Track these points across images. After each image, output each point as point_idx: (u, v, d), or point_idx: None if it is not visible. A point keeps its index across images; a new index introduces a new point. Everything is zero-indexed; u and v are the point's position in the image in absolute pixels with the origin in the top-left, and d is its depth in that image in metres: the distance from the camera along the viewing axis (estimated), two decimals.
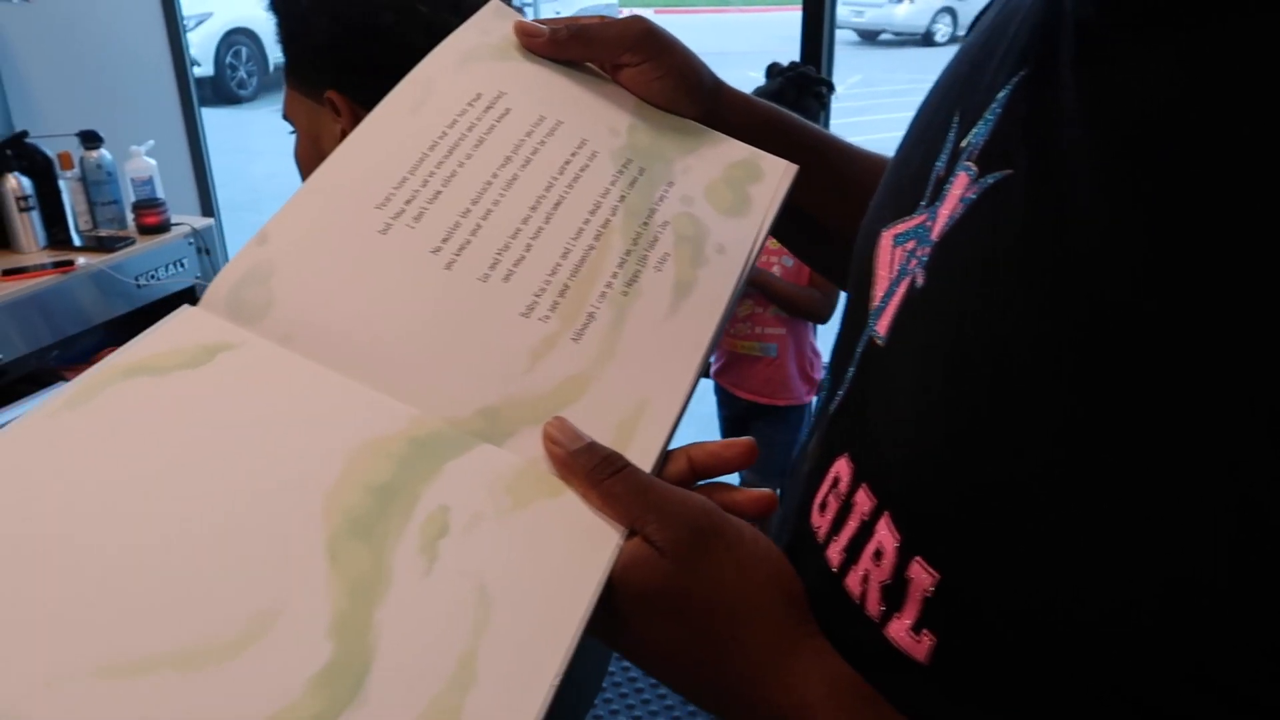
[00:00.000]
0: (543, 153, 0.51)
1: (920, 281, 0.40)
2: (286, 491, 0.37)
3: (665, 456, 0.45)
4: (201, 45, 8.04)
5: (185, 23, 3.10)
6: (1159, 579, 0.29)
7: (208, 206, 3.14)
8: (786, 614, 0.41)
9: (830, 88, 1.98)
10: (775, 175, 0.56)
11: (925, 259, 0.40)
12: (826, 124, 2.27)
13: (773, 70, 2.01)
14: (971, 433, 0.34)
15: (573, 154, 0.52)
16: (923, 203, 0.42)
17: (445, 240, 0.46)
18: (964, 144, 0.40)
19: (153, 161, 2.30)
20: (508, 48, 0.57)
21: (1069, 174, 0.33)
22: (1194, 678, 0.28)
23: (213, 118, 3.02)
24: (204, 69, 8.16)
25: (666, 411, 0.44)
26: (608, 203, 0.50)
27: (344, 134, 0.88)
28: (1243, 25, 0.30)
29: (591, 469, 0.41)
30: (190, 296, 1.97)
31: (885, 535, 0.37)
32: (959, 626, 0.35)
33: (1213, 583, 0.27)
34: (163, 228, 2.27)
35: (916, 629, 0.36)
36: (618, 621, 0.40)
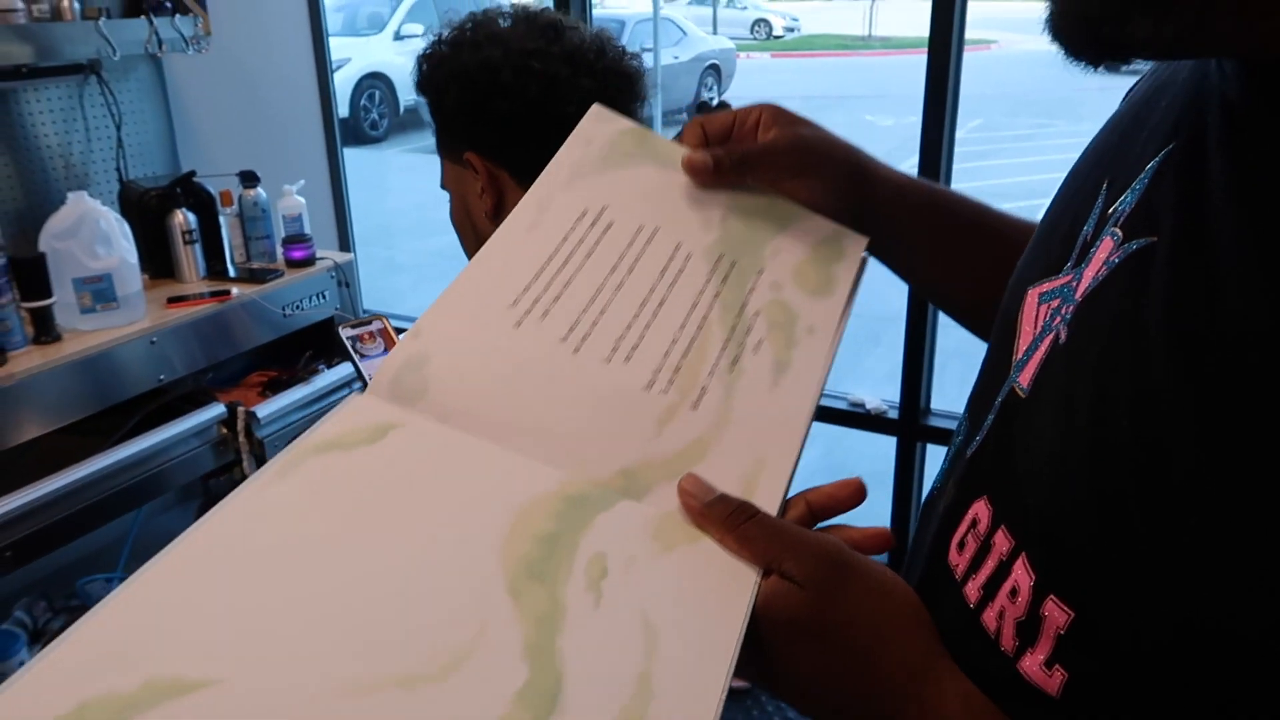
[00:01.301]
0: (643, 260, 0.58)
1: (1063, 338, 0.43)
2: (467, 543, 0.43)
3: (785, 505, 0.50)
4: (339, 89, 8.50)
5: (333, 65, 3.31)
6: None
7: (346, 242, 3.32)
8: (920, 637, 0.44)
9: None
10: (854, 251, 0.62)
11: (1069, 316, 0.43)
12: (948, 171, 2.25)
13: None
14: (1110, 482, 0.37)
15: (670, 258, 0.58)
16: (1069, 264, 0.45)
17: (570, 331, 0.54)
18: (1111, 210, 0.43)
19: (302, 200, 2.45)
20: (611, 154, 0.64)
21: (1216, 246, 0.36)
22: None
23: (348, 157, 3.19)
24: (341, 111, 8.63)
25: (782, 467, 0.50)
26: (704, 299, 0.57)
27: (481, 191, 0.97)
28: None
29: (727, 516, 0.45)
30: (329, 326, 2.09)
31: (1022, 574, 0.40)
32: (1090, 663, 0.37)
33: None
34: (308, 262, 2.42)
35: (1049, 664, 0.38)
36: (765, 653, 0.43)
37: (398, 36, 9.84)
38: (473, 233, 1.04)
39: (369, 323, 1.55)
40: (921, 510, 0.55)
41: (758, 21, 19.54)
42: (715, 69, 11.09)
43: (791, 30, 19.65)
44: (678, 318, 0.55)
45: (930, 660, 0.44)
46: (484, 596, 0.40)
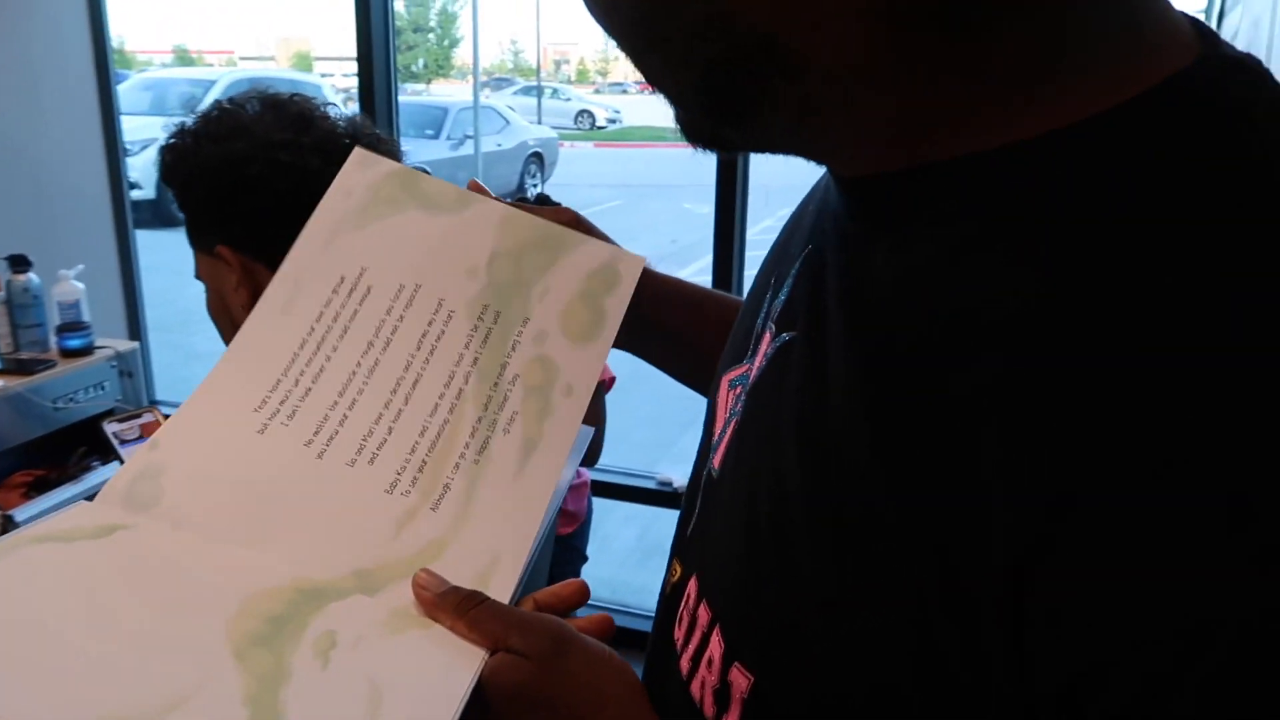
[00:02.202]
0: (401, 329, 0.58)
1: (739, 422, 0.47)
2: (191, 619, 0.44)
3: (516, 601, 0.52)
4: (145, 169, 8.12)
5: (128, 148, 3.16)
6: (906, 675, 0.34)
7: (136, 329, 3.13)
8: (634, 700, 0.48)
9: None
10: (630, 275, 0.62)
11: (744, 397, 0.47)
12: (741, 252, 2.37)
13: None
14: (762, 559, 0.41)
15: (429, 322, 0.58)
16: (748, 355, 0.49)
17: (316, 433, 0.53)
18: (772, 306, 0.48)
19: (81, 285, 2.31)
20: (373, 204, 0.63)
21: (827, 344, 0.40)
22: None
23: (151, 240, 3.05)
24: (145, 192, 8.22)
25: (515, 562, 0.52)
26: (461, 370, 0.57)
27: (237, 285, 0.94)
28: (945, 231, 0.36)
29: (457, 604, 0.47)
30: (107, 417, 1.95)
31: (715, 644, 0.43)
32: (761, 710, 0.40)
33: (921, 687, 0.34)
34: (85, 351, 2.27)
35: None
36: None
37: None
38: (231, 326, 1.00)
39: (138, 415, 1.46)
40: (660, 592, 0.56)
41: (581, 112, 20.12)
42: (538, 157, 11.29)
43: (614, 121, 20.32)
44: (430, 401, 0.55)
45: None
46: (206, 657, 0.41)
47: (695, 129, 0.41)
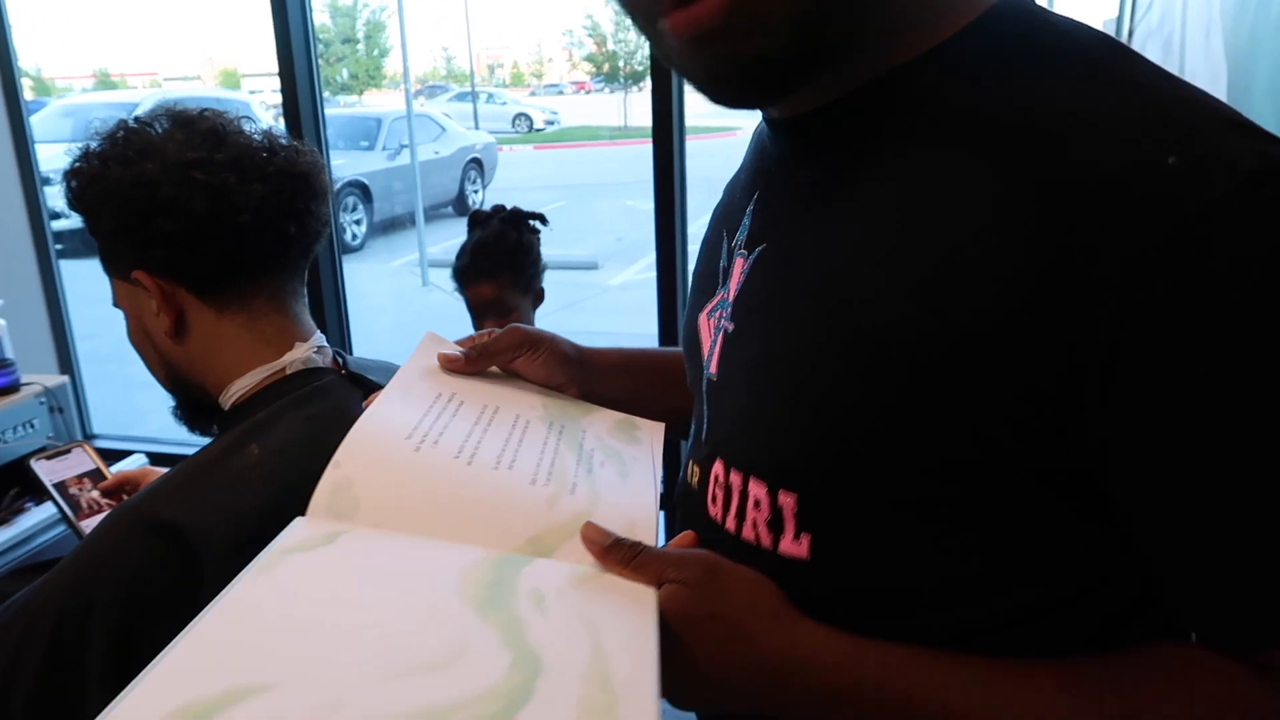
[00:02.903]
0: (496, 419, 0.72)
1: (730, 329, 0.62)
2: (432, 593, 0.53)
3: None
4: None
5: (49, 177, 3.05)
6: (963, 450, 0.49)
7: (67, 362, 3.04)
8: (780, 600, 0.55)
9: (544, 220, 1.99)
10: (649, 431, 0.78)
11: (729, 314, 0.63)
12: (684, 246, 2.35)
13: (478, 218, 2.00)
14: (787, 401, 0.55)
15: (514, 422, 0.73)
16: (719, 289, 0.66)
17: (460, 451, 0.65)
18: (733, 245, 0.64)
19: (1, 321, 2.22)
20: (441, 376, 0.77)
21: (797, 242, 0.58)
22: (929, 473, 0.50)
23: (83, 269, 2.94)
24: (73, 221, 8.00)
25: (648, 524, 0.64)
26: (551, 441, 0.71)
27: (158, 310, 0.90)
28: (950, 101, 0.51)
29: (621, 555, 0.56)
30: (36, 455, 1.88)
31: (757, 489, 0.57)
32: (816, 515, 0.54)
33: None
34: (10, 389, 2.18)
35: (797, 536, 0.55)
36: (674, 646, 0.52)
37: None
38: (154, 353, 0.96)
39: (66, 451, 1.40)
40: (675, 502, 0.70)
41: (518, 116, 20.02)
42: (478, 163, 11.20)
43: (551, 123, 20.27)
44: (537, 448, 0.69)
45: (794, 623, 0.54)
46: (460, 620, 0.51)
47: (772, 60, 0.50)
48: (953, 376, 0.48)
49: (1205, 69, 1.27)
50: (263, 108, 12.55)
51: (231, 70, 32.35)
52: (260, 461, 0.83)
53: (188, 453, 0.89)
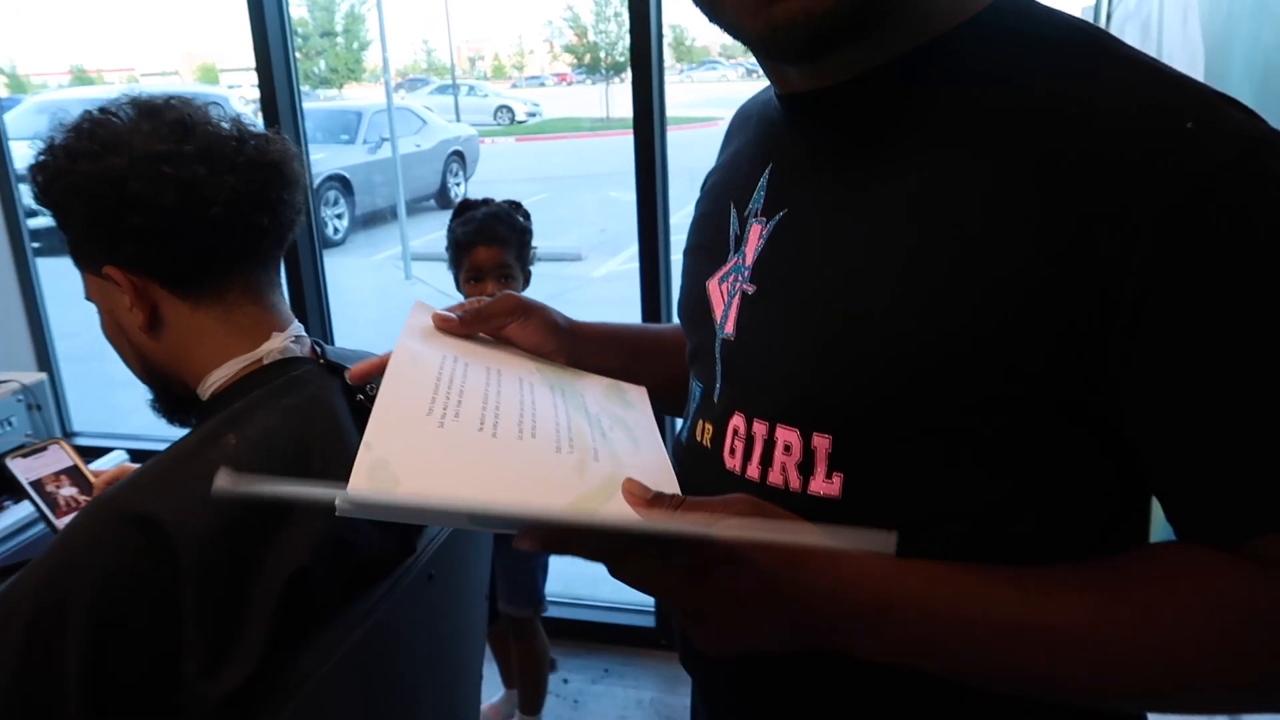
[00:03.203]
0: (504, 381, 0.72)
1: (750, 290, 0.66)
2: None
3: None
4: None
5: (23, 174, 3.01)
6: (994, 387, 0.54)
7: (45, 359, 3.01)
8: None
9: (526, 214, 2.04)
10: (636, 394, 0.79)
11: (748, 277, 0.67)
12: (666, 235, 2.35)
13: (468, 204, 2.04)
14: (823, 348, 0.60)
15: (520, 383, 0.74)
16: (731, 254, 0.70)
17: (482, 424, 0.66)
18: (747, 212, 0.69)
19: None
20: (434, 339, 0.77)
21: (826, 206, 0.62)
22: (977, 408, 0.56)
23: (61, 267, 2.91)
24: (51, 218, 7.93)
25: (672, 484, 0.64)
26: (561, 407, 0.72)
27: (131, 305, 0.89)
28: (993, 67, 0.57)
29: (665, 504, 0.55)
30: (12, 453, 1.86)
31: (789, 434, 0.61)
32: (849, 455, 0.59)
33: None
34: None
35: (829, 475, 0.59)
36: (730, 575, 0.54)
37: None
38: (129, 347, 0.95)
39: (43, 449, 1.38)
40: (681, 455, 0.74)
41: (500, 108, 19.93)
42: (459, 155, 11.15)
43: (533, 115, 20.19)
44: (550, 415, 0.69)
45: (836, 555, 0.56)
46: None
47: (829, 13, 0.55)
48: (994, 320, 0.53)
49: (1183, 52, 1.28)
50: (241, 102, 12.46)
51: (210, 65, 32.08)
52: (237, 452, 0.82)
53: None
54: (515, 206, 2.04)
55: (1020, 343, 0.53)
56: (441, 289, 7.28)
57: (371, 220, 9.79)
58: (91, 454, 1.64)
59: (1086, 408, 0.54)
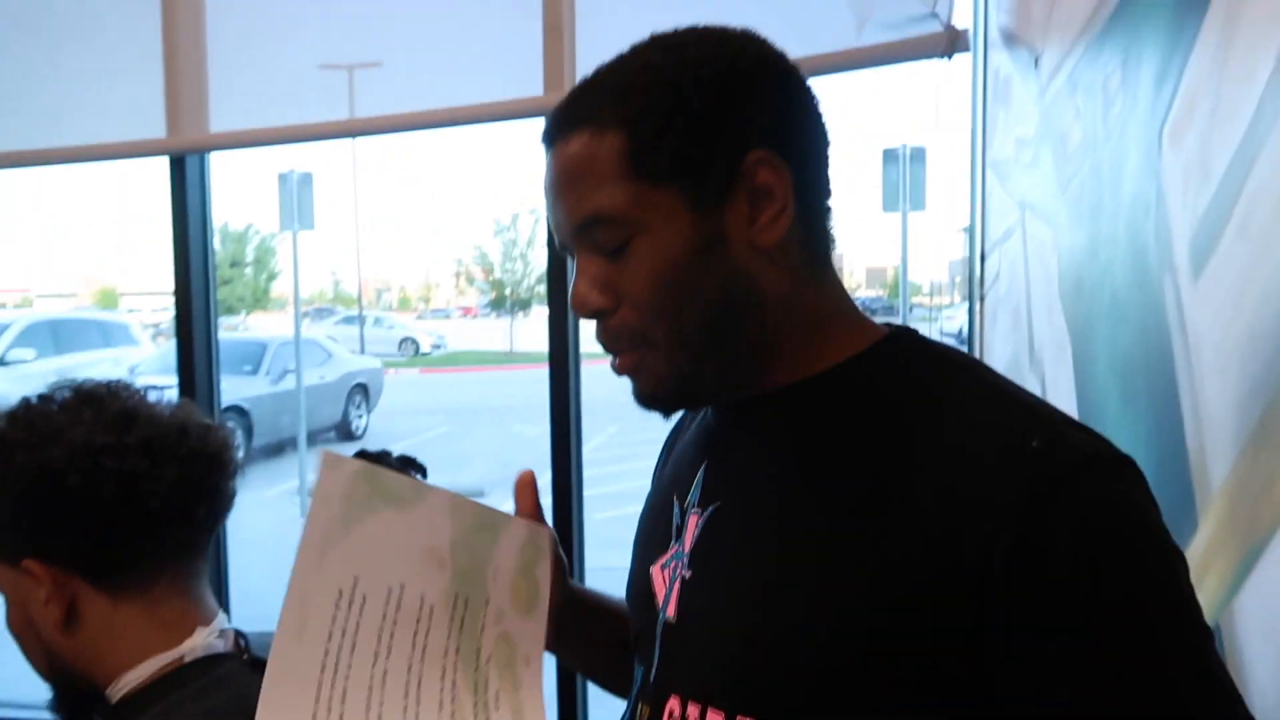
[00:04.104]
0: (398, 632, 0.70)
1: (688, 575, 0.71)
2: None
3: None
4: None
5: None
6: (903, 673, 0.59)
7: None
8: None
9: (422, 468, 2.02)
10: (546, 545, 0.78)
11: (687, 562, 0.71)
12: (579, 476, 2.37)
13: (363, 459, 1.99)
14: (744, 634, 0.64)
15: (417, 621, 0.70)
16: (673, 542, 0.74)
17: (368, 708, 0.66)
18: (686, 504, 0.74)
19: None
20: (350, 510, 0.71)
21: (752, 499, 0.70)
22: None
23: None
24: None
25: None
26: (449, 663, 0.70)
27: (47, 600, 0.84)
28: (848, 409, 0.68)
29: None
30: None
31: (717, 718, 0.64)
32: None
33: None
34: None
35: None
36: None
37: (3, 362, 8.96)
38: (37, 643, 0.88)
39: None
40: None
41: (404, 340, 20.24)
42: (363, 388, 11.16)
43: (438, 347, 20.53)
44: (435, 699, 0.69)
45: None
46: None
47: (666, 397, 0.71)
48: (887, 619, 0.59)
49: (1051, 340, 1.43)
50: (140, 328, 12.35)
51: (109, 289, 31.92)
52: None
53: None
54: (404, 466, 1.96)
55: (909, 628, 0.58)
56: None
57: (270, 452, 9.57)
58: None
59: (977, 703, 0.58)
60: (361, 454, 2.21)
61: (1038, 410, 0.63)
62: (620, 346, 0.70)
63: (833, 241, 0.71)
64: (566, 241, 0.70)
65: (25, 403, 0.86)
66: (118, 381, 0.89)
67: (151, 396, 0.89)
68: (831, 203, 0.71)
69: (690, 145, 0.64)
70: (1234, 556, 0.86)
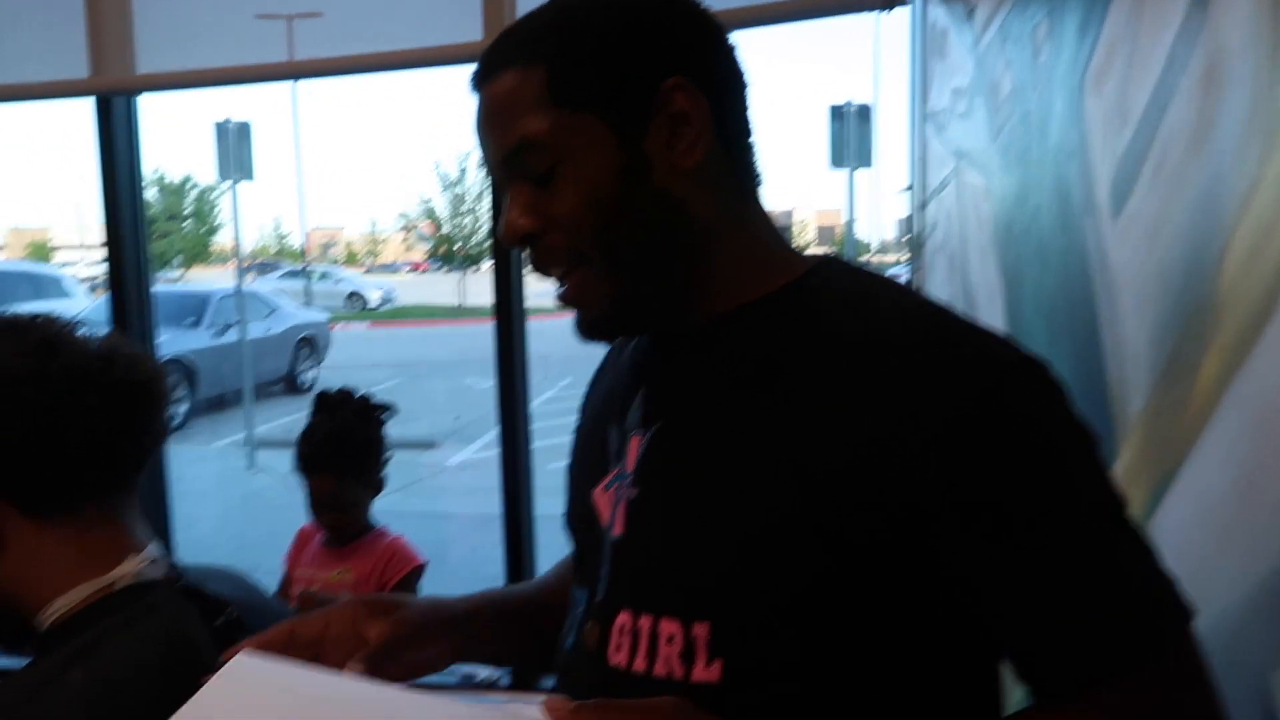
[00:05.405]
0: None
1: (634, 494, 0.73)
2: None
3: None
4: None
5: None
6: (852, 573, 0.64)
7: None
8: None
9: (391, 410, 2.02)
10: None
11: (631, 480, 0.74)
12: (526, 428, 2.39)
13: (327, 401, 1.99)
14: (697, 542, 0.68)
15: None
16: (613, 465, 0.77)
17: None
18: (626, 426, 0.76)
19: None
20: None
21: (695, 416, 0.73)
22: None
23: None
24: None
25: None
26: None
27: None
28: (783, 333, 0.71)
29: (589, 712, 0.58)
30: None
31: (672, 626, 0.67)
32: (725, 642, 0.65)
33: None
34: None
35: (709, 663, 0.65)
36: None
37: None
38: None
39: None
40: (565, 664, 0.77)
41: (352, 294, 19.95)
42: (309, 341, 11.01)
43: (388, 301, 20.27)
44: None
45: None
46: None
47: (608, 322, 0.75)
48: (831, 509, 0.63)
49: (985, 285, 1.47)
50: (75, 282, 12.01)
51: (41, 241, 30.89)
52: (84, 690, 0.77)
53: None
54: (367, 411, 1.98)
55: (855, 526, 0.63)
56: (287, 477, 7.00)
57: (215, 405, 9.42)
58: None
59: (929, 585, 0.64)
60: (323, 394, 2.16)
61: (963, 322, 0.68)
62: (555, 267, 0.73)
63: (759, 177, 0.75)
64: (499, 177, 0.73)
65: None
66: (43, 314, 0.88)
67: (80, 330, 0.88)
68: (754, 141, 0.75)
69: (607, 73, 0.69)
70: (1150, 481, 0.90)
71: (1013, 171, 1.31)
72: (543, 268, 0.74)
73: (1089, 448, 0.65)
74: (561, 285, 0.73)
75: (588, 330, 0.75)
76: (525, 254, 0.73)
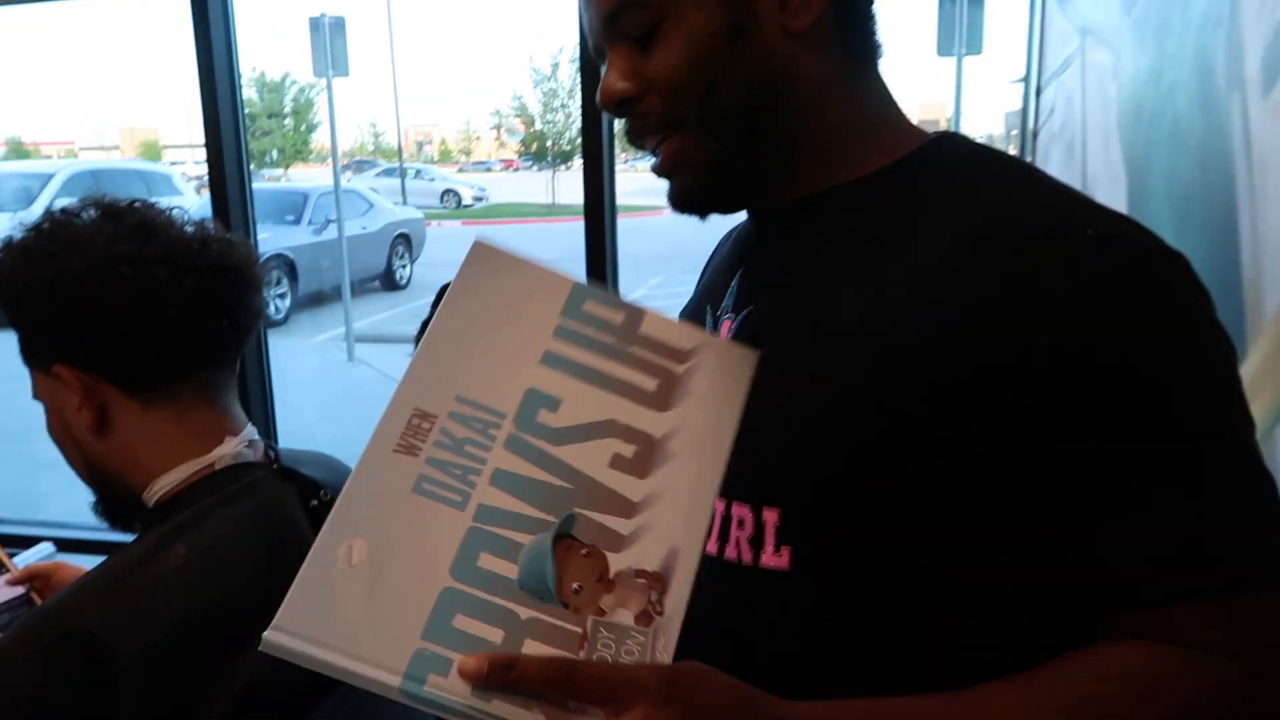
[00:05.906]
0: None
1: None
2: None
3: None
4: None
5: None
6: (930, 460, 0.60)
7: None
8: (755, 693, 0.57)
9: None
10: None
11: None
12: None
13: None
14: (771, 427, 0.64)
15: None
16: None
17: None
18: (720, 311, 0.75)
19: None
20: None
21: (785, 300, 0.70)
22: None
23: None
24: None
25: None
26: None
27: (80, 405, 0.87)
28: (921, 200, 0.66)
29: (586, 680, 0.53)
30: None
31: (742, 510, 0.66)
32: (796, 528, 0.63)
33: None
34: None
35: (778, 549, 0.64)
36: None
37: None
38: (75, 448, 0.92)
39: None
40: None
41: (446, 192, 20.12)
42: (405, 238, 11.18)
43: (480, 199, 20.40)
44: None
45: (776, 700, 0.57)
46: None
47: (702, 191, 0.71)
48: (920, 400, 0.59)
49: (1106, 174, 1.36)
50: (184, 180, 12.38)
51: (152, 141, 31.94)
52: (186, 565, 0.80)
53: (97, 539, 0.86)
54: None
55: (943, 420, 0.59)
56: (385, 371, 7.21)
57: (315, 301, 9.71)
58: (15, 544, 1.58)
59: (1012, 485, 0.60)
60: (446, 288, 2.22)
61: (1093, 204, 0.63)
62: (651, 135, 0.69)
63: (878, 46, 0.70)
64: (600, 43, 0.70)
65: (49, 214, 0.88)
66: (141, 199, 0.90)
67: (176, 214, 0.89)
68: (875, 7, 0.70)
69: None
70: (1278, 389, 0.83)
71: (1147, 45, 1.19)
72: (638, 139, 0.70)
73: (1223, 360, 0.59)
74: (656, 155, 0.70)
75: (680, 201, 0.71)
76: (621, 125, 0.70)
